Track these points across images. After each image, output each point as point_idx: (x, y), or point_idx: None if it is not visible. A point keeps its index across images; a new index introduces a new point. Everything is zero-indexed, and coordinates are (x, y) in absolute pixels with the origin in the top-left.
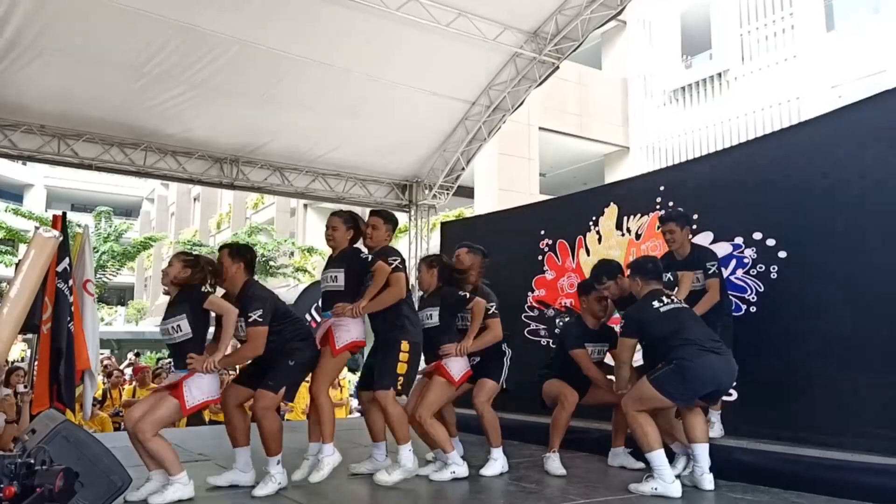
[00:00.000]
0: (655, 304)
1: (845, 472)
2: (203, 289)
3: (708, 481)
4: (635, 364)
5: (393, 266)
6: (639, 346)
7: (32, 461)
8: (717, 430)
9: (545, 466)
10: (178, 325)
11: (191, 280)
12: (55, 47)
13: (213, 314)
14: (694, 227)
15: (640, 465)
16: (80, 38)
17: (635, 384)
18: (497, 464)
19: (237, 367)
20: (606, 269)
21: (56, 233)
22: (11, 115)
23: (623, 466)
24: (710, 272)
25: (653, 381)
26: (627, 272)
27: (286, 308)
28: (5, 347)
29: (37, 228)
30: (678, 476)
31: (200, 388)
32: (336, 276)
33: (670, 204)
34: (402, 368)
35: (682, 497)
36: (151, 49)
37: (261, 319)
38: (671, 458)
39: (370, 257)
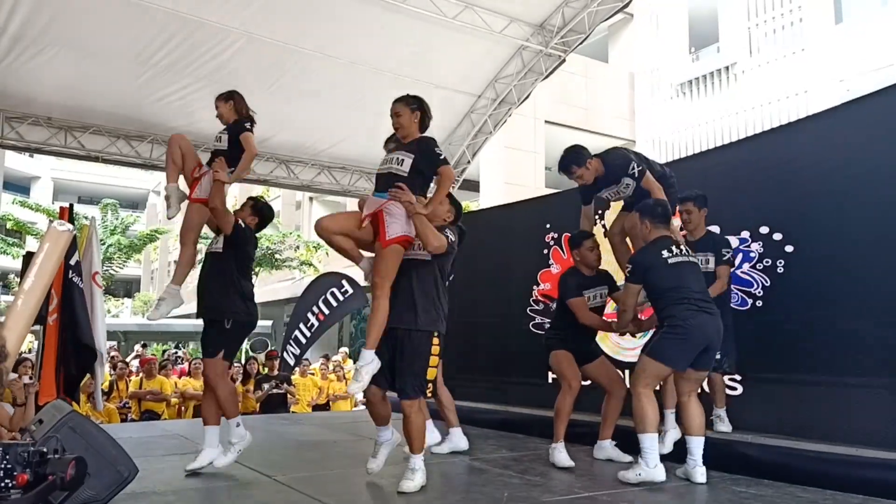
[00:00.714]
0: (664, 253)
1: (850, 467)
2: None
3: (700, 474)
4: None
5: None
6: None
7: (45, 450)
8: (725, 425)
9: (552, 458)
10: None
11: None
12: (62, 40)
13: None
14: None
15: (629, 458)
16: (87, 31)
17: (639, 359)
18: (449, 442)
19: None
20: (573, 156)
21: (70, 226)
22: (18, 108)
23: (610, 459)
24: (724, 258)
25: (649, 353)
26: (636, 213)
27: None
28: (20, 338)
29: (51, 221)
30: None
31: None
32: (403, 160)
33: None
34: (431, 374)
35: (685, 492)
36: (157, 42)
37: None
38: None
39: (442, 156)
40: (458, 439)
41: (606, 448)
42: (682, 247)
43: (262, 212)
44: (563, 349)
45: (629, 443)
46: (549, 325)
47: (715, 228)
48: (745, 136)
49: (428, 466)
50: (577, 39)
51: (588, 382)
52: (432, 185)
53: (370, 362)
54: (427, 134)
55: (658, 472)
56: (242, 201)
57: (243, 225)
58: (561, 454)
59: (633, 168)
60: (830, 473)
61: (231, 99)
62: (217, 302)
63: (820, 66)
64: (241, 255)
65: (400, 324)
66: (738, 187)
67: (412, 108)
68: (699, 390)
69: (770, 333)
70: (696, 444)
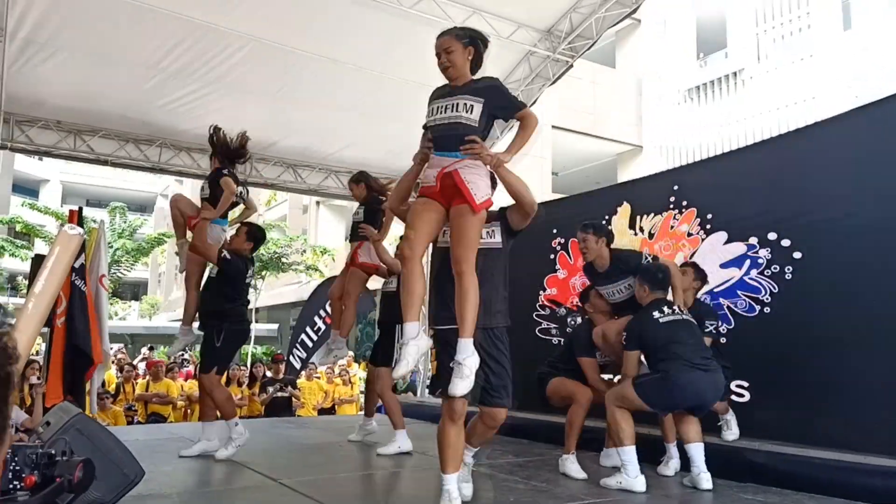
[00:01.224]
0: (656, 314)
1: (857, 475)
2: None
3: (705, 480)
4: None
5: None
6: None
7: (53, 451)
8: (732, 433)
9: (563, 469)
10: None
11: None
12: (71, 45)
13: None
14: (708, 227)
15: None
16: (96, 36)
17: (622, 384)
18: (395, 444)
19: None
20: (594, 225)
21: (81, 230)
22: (28, 111)
23: (616, 467)
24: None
25: (636, 387)
26: (637, 283)
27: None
28: (31, 341)
29: (62, 225)
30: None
31: None
32: (471, 106)
33: (684, 203)
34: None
35: (692, 499)
36: (166, 46)
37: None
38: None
39: (519, 97)
40: (405, 441)
41: (614, 456)
42: (675, 307)
43: (255, 236)
44: (557, 376)
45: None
46: (548, 361)
47: (723, 234)
48: (753, 141)
49: (433, 471)
50: (585, 45)
51: None
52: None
53: (472, 355)
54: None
55: (638, 483)
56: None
57: (228, 257)
58: (573, 465)
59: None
60: (837, 481)
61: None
62: (209, 320)
63: (828, 72)
64: (230, 282)
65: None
66: (746, 193)
67: (464, 42)
68: None
69: (778, 339)
70: (697, 451)
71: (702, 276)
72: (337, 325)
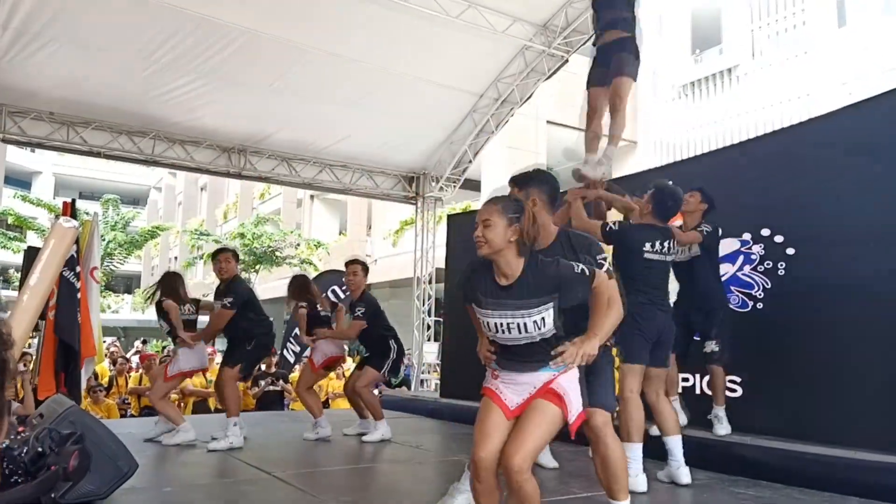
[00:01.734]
0: (647, 246)
1: (849, 470)
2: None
3: (684, 475)
4: None
5: None
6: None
7: (41, 449)
8: (724, 427)
9: (539, 459)
10: None
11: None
12: (64, 35)
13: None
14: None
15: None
16: (89, 27)
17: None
18: (378, 432)
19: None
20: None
21: (76, 223)
22: (21, 102)
23: None
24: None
25: (622, 358)
26: (648, 195)
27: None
28: (26, 333)
29: (57, 218)
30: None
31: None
32: (541, 320)
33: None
34: None
35: (682, 493)
36: (160, 38)
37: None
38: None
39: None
40: (386, 429)
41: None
42: (665, 243)
43: (237, 257)
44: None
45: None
46: None
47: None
48: (747, 138)
49: (428, 465)
50: (581, 40)
51: None
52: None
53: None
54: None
55: (640, 482)
56: (244, 200)
57: (229, 304)
58: (545, 455)
59: None
60: (829, 476)
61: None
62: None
63: (822, 70)
64: (249, 306)
65: None
66: (739, 189)
67: (509, 217)
68: (700, 391)
69: (770, 335)
70: (675, 444)
71: (709, 200)
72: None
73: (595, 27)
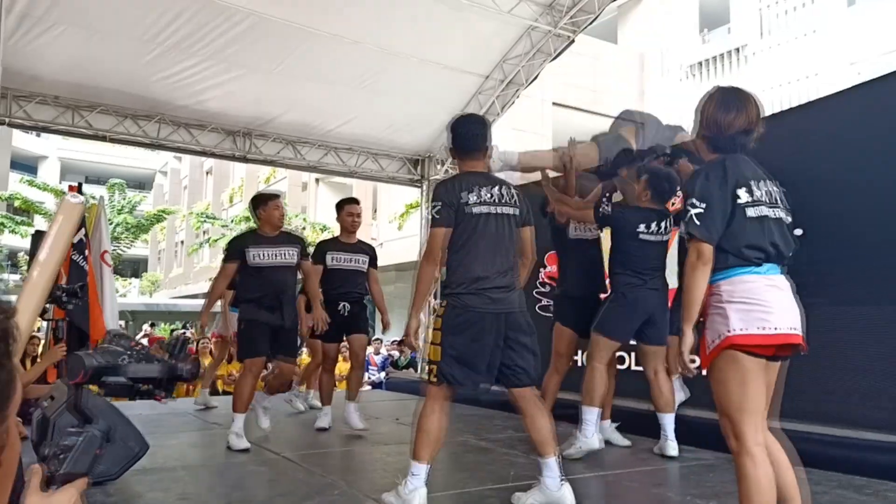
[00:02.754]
0: (641, 227)
1: (854, 450)
2: None
3: (671, 448)
4: None
5: None
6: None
7: (59, 451)
8: (680, 395)
9: None
10: None
11: None
12: (68, 18)
13: None
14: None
15: (627, 442)
16: (93, 9)
17: (591, 336)
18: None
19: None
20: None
21: (82, 198)
22: (25, 86)
23: (609, 441)
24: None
25: (595, 329)
26: (643, 180)
27: None
28: (36, 309)
29: (64, 194)
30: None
31: None
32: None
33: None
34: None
35: (689, 472)
36: (164, 20)
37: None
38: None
39: None
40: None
41: (606, 430)
42: (662, 223)
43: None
44: (562, 322)
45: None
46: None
47: None
48: None
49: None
50: (587, 20)
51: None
52: None
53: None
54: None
55: (594, 441)
56: (249, 183)
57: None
58: (615, 433)
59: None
60: (835, 456)
61: None
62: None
63: (831, 49)
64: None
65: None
66: None
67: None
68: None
69: None
70: (668, 421)
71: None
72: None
73: None
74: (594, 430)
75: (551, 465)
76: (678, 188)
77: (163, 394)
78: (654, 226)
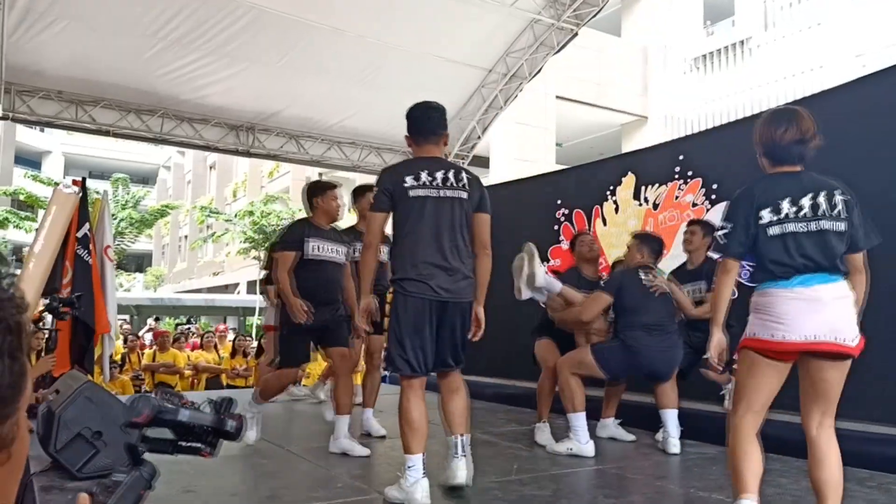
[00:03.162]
0: (641, 274)
1: (856, 442)
2: None
3: (673, 445)
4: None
5: None
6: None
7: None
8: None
9: (535, 437)
10: None
11: None
12: (71, 13)
13: None
14: (713, 197)
15: (632, 437)
16: (96, 4)
17: (578, 350)
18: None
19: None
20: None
21: (76, 189)
22: (29, 81)
23: (613, 438)
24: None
25: (594, 350)
26: (634, 241)
27: None
28: (34, 300)
29: (57, 185)
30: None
31: None
32: None
33: (689, 173)
34: None
35: (692, 465)
36: (166, 15)
37: None
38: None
39: None
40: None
41: (609, 426)
42: (656, 276)
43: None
44: (546, 338)
45: (640, 418)
46: (535, 326)
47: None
48: (760, 111)
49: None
50: (591, 13)
51: None
52: None
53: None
54: (437, 109)
55: (588, 448)
56: (253, 178)
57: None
58: (544, 433)
59: None
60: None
61: None
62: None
63: (836, 41)
64: None
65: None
66: (752, 163)
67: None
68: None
69: None
70: (670, 417)
71: (711, 232)
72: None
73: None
74: (587, 436)
75: (451, 442)
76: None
77: (208, 450)
78: (651, 275)
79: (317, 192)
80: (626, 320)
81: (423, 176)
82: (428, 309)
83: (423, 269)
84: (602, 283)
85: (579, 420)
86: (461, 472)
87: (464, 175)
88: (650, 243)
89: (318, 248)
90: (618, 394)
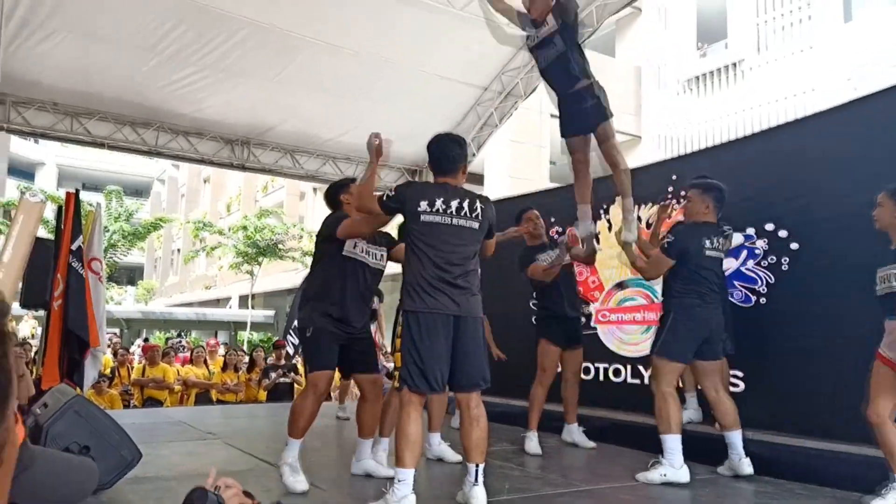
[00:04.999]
0: (707, 243)
1: (851, 465)
2: None
3: (746, 465)
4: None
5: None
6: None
7: None
8: (692, 413)
9: (524, 446)
10: None
11: None
12: (68, 25)
13: None
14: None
15: (592, 444)
16: (93, 16)
17: (651, 363)
18: None
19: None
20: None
21: (42, 197)
22: (24, 92)
23: (575, 444)
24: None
25: (658, 353)
26: (695, 190)
27: None
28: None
29: (23, 194)
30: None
31: None
32: None
33: (682, 193)
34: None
35: (682, 487)
36: (164, 29)
37: None
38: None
39: None
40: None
41: (574, 432)
42: (719, 239)
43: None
44: (549, 340)
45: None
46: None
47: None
48: (752, 132)
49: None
50: (586, 33)
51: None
52: None
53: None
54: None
55: (683, 473)
56: (247, 192)
57: None
58: (531, 442)
59: None
60: (830, 471)
61: None
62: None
63: (828, 64)
64: None
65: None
66: (744, 183)
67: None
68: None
69: (773, 331)
70: (736, 438)
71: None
72: None
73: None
74: (681, 460)
75: (469, 469)
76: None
77: None
78: (715, 240)
79: (341, 189)
80: (682, 285)
81: (438, 203)
82: (442, 324)
83: (433, 284)
84: (666, 243)
85: (675, 442)
86: (477, 500)
87: (478, 205)
88: (713, 191)
89: (355, 246)
90: (573, 398)
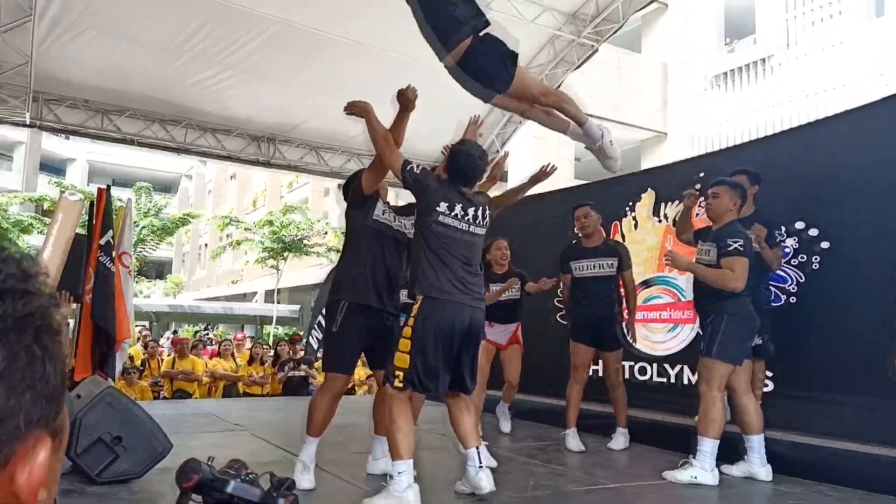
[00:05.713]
0: (753, 238)
1: (881, 467)
2: None
3: (766, 473)
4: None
5: None
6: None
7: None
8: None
9: (567, 444)
10: None
11: None
12: (98, 24)
13: None
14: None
15: (581, 447)
16: (123, 16)
17: (702, 364)
18: None
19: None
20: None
21: (81, 196)
22: (56, 90)
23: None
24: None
25: (716, 356)
26: (724, 188)
27: None
28: None
29: (62, 192)
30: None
31: None
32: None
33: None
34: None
35: (707, 487)
36: (191, 28)
37: None
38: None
39: None
40: None
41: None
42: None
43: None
44: (580, 341)
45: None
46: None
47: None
48: (781, 129)
49: (451, 452)
50: (611, 29)
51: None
52: None
53: None
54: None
55: (713, 477)
56: (272, 188)
57: None
58: (573, 440)
59: None
60: (861, 473)
61: None
62: None
63: (858, 60)
64: None
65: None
66: (773, 182)
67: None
68: None
69: (803, 330)
70: (758, 442)
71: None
72: None
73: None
74: (713, 464)
75: (471, 455)
76: None
77: None
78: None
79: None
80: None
81: (458, 209)
82: (453, 331)
83: (445, 288)
84: (738, 246)
85: (712, 446)
86: (485, 482)
87: (487, 212)
88: (737, 187)
89: (384, 215)
90: (577, 404)
